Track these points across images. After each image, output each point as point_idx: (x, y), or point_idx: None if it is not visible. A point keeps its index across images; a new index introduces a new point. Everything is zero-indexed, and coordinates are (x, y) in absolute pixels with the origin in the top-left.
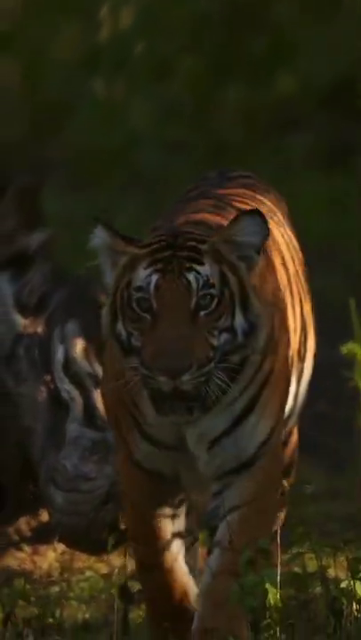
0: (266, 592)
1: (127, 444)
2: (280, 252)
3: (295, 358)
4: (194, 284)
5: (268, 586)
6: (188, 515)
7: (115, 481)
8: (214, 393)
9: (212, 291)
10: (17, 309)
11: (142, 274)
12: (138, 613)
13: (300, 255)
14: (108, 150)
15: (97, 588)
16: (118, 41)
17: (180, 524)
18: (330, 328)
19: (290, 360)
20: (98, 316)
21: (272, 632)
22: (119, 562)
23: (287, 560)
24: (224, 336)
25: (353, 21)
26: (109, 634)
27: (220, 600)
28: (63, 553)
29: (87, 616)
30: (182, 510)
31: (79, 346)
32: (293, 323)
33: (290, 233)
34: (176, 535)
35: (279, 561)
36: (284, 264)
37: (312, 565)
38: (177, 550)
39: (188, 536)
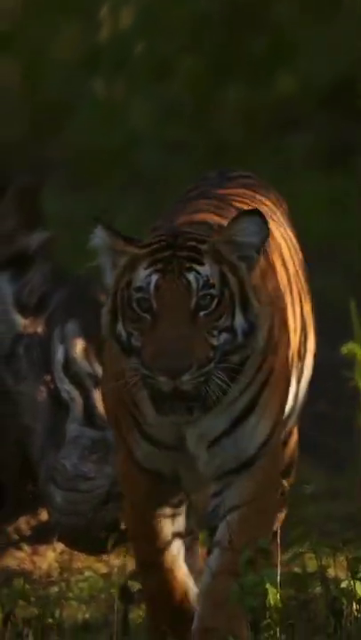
0: (266, 592)
1: (127, 443)
2: (280, 252)
3: (295, 358)
4: (194, 285)
5: (268, 586)
6: (187, 515)
7: (114, 481)
8: (214, 393)
9: (212, 291)
10: (17, 309)
11: (142, 274)
12: (138, 613)
13: (300, 255)
14: (108, 150)
15: (96, 588)
16: (118, 41)
17: (179, 524)
18: (330, 328)
19: (290, 360)
20: (98, 316)
21: (272, 632)
22: (118, 562)
23: (287, 560)
24: (224, 336)
25: (353, 21)
26: (109, 634)
27: (220, 600)
28: (62, 553)
29: (87, 616)
30: (182, 510)
31: (79, 346)
32: (293, 323)
33: (290, 233)
34: (176, 535)
35: (279, 561)
36: (284, 264)
37: (312, 565)
38: (177, 550)
39: (187, 536)
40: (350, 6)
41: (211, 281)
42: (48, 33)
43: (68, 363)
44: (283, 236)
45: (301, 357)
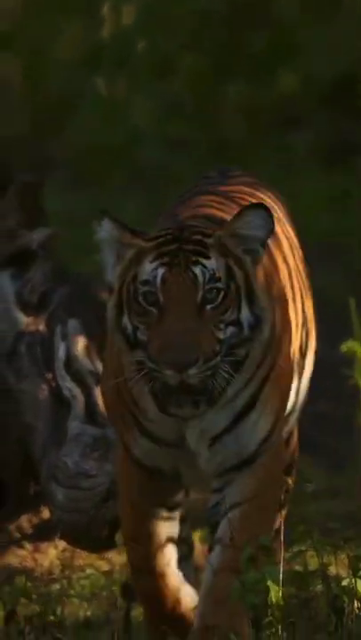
0: (267, 589)
1: (127, 441)
2: (281, 248)
3: (297, 354)
4: (200, 278)
5: (269, 583)
6: (183, 521)
7: (115, 478)
8: (220, 386)
9: (219, 284)
10: (18, 307)
11: (148, 267)
12: (139, 611)
13: (301, 253)
14: (110, 148)
15: (98, 586)
16: (120, 39)
17: (174, 528)
18: (330, 326)
19: (292, 356)
20: (99, 313)
21: (273, 630)
22: (120, 559)
23: (288, 558)
24: (230, 329)
25: (354, 20)
26: (111, 631)
27: (222, 597)
28: (64, 550)
29: (89, 614)
30: (177, 515)
31: (80, 343)
32: (295, 319)
33: (290, 230)
34: (170, 540)
35: (282, 558)
36: (285, 260)
37: (313, 563)
38: (170, 555)
39: (182, 544)
40: (351, 4)
41: (217, 274)
42: (49, 31)
43: (70, 360)
44: (283, 233)
45: (303, 354)
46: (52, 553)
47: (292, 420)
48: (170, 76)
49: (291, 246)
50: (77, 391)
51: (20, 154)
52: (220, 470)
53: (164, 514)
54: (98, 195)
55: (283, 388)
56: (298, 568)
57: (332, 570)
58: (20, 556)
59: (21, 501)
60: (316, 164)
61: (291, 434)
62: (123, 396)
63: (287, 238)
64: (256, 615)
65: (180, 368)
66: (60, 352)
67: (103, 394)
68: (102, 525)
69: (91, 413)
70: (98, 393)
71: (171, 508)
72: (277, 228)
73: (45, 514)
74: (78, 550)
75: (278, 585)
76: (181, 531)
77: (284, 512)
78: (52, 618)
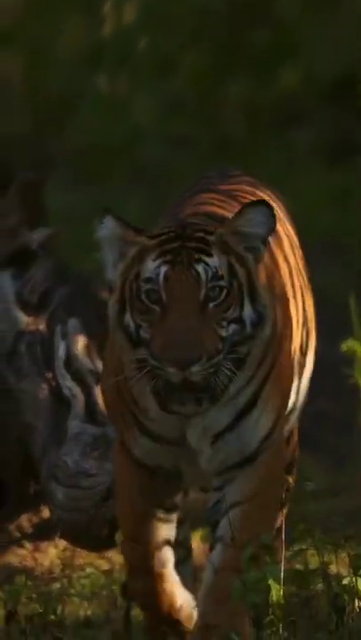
0: (268, 588)
1: (127, 440)
2: (282, 247)
3: (297, 353)
4: (203, 276)
5: (270, 582)
6: (181, 524)
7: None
8: (223, 384)
9: (221, 282)
10: (19, 306)
11: (151, 265)
12: (139, 610)
13: (301, 252)
14: (112, 146)
15: (98, 585)
16: (121, 37)
17: (171, 531)
18: (330, 325)
19: (293, 354)
20: (99, 312)
21: (274, 629)
22: (120, 558)
23: (289, 557)
24: (233, 327)
25: (354, 18)
26: (111, 631)
27: (223, 596)
28: (64, 549)
29: (89, 613)
30: (174, 518)
31: (81, 343)
32: (296, 317)
33: (290, 229)
34: (167, 542)
35: (283, 557)
36: (285, 259)
37: (314, 562)
38: (167, 557)
39: (180, 548)
40: (351, 3)
41: (219, 272)
42: (50, 30)
43: (70, 359)
44: (284, 232)
45: (304, 352)
46: (52, 552)
47: (293, 419)
48: (171, 75)
49: (291, 245)
50: (77, 390)
51: (21, 152)
52: (222, 468)
53: (162, 515)
54: (99, 193)
55: (284, 386)
56: (299, 567)
57: (333, 568)
58: (20, 556)
59: (21, 501)
60: (317, 163)
61: (291, 432)
62: (123, 394)
63: (288, 237)
64: (257, 614)
65: (183, 366)
66: (60, 351)
67: (103, 392)
68: (102, 524)
69: (91, 412)
70: (98, 392)
71: (168, 510)
72: (278, 227)
73: (45, 513)
74: (78, 549)
75: (279, 584)
76: (179, 534)
77: (284, 511)
78: (52, 617)
